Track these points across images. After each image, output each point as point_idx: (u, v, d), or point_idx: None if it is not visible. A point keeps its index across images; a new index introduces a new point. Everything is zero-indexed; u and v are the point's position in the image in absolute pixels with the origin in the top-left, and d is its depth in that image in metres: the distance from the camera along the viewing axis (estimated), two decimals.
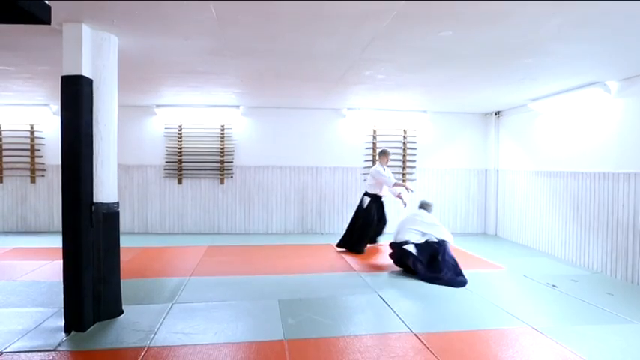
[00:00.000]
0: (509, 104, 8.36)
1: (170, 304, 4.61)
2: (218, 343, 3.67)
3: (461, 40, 4.29)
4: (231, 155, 9.18)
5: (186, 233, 9.08)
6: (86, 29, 3.97)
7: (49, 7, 2.47)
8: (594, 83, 6.09)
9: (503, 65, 5.26)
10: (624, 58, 4.93)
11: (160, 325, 4.06)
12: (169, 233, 9.07)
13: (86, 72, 3.98)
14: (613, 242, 6.05)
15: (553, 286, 5.49)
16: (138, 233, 8.95)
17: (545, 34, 4.04)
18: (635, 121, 5.74)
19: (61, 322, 3.96)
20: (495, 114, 9.36)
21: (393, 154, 9.41)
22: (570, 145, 6.98)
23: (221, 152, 9.14)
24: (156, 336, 3.81)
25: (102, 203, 4.10)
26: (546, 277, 5.86)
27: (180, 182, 9.13)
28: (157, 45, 4.56)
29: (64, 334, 3.84)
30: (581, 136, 6.73)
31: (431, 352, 3.55)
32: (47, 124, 8.89)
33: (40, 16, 2.37)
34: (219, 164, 9.16)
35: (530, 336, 3.90)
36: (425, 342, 3.74)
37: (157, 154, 9.09)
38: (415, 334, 3.90)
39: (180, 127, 9.07)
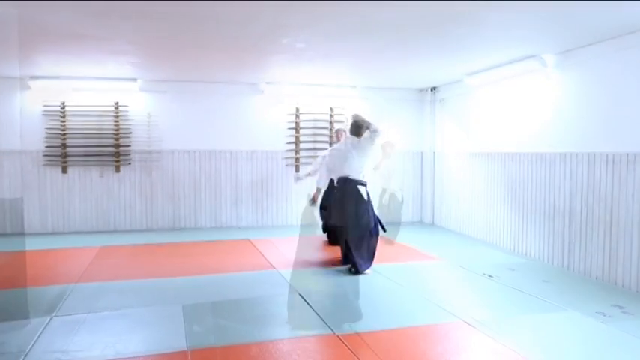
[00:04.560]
0: (445, 79, 8.70)
1: (49, 318, 4.38)
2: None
3: (387, 6, 4.38)
4: (128, 138, 8.84)
5: (74, 232, 8.67)
6: None
7: None
8: (530, 57, 6.46)
9: (435, 35, 5.44)
10: (559, 30, 5.27)
11: (34, 344, 3.83)
12: (52, 233, 8.61)
13: None
14: (550, 227, 6.51)
15: (489, 276, 5.83)
16: (10, 234, 8.38)
17: (477, 2, 4.21)
18: (571, 97, 6.18)
19: None
20: (431, 90, 9.70)
21: (319, 134, 9.55)
22: (508, 124, 7.41)
23: (116, 134, 8.77)
24: (27, 358, 3.60)
25: None
26: (483, 267, 6.21)
27: (64, 171, 8.66)
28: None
29: None
30: (518, 114, 7.15)
31: (354, 354, 3.64)
32: None
33: None
34: (113, 149, 8.79)
35: (461, 330, 4.12)
36: (347, 344, 3.82)
37: (33, 138, 8.50)
38: (337, 336, 3.97)
39: (63, 104, 8.57)
